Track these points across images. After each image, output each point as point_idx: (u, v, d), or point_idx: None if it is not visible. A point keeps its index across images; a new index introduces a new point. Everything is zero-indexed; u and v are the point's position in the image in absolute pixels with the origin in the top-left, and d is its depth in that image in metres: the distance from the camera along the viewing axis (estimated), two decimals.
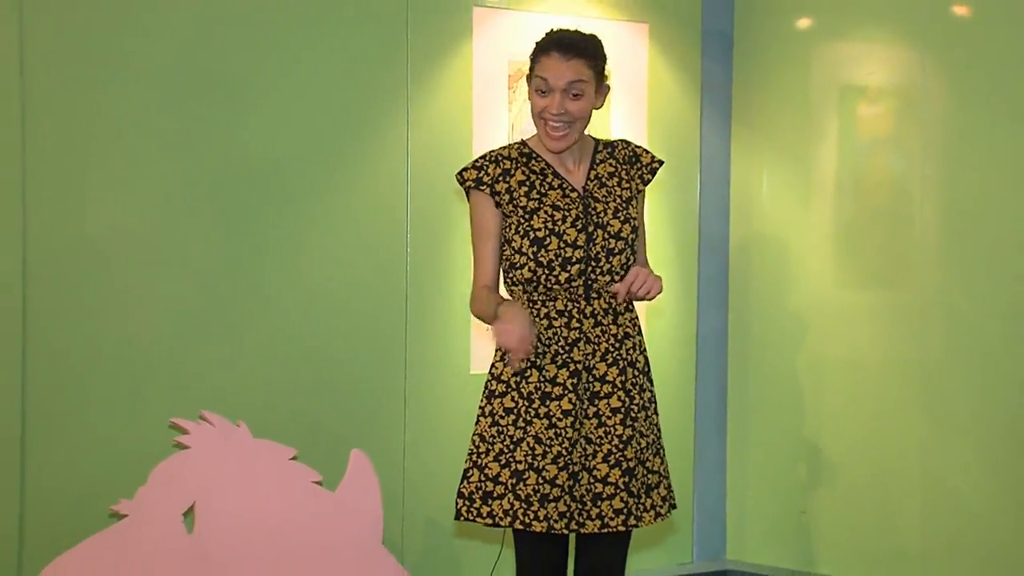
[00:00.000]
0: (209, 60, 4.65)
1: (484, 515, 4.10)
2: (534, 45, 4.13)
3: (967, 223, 5.21)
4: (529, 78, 4.15)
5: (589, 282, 4.07)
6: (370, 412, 4.97)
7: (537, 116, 4.08)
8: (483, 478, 4.13)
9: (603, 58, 4.14)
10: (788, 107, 5.75)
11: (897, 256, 5.44)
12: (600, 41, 4.16)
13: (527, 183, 4.10)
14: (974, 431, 5.19)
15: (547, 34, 4.13)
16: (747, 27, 5.85)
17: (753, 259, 5.85)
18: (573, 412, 4.03)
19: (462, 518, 4.13)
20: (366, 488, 4.58)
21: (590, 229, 4.03)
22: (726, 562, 5.84)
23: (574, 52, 4.04)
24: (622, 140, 4.31)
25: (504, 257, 4.12)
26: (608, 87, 4.17)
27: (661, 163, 4.29)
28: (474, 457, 4.14)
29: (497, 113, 5.27)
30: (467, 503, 4.11)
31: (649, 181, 4.23)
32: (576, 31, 4.15)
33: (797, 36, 5.72)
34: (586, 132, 4.25)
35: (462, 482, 4.15)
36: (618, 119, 5.55)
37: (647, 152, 4.27)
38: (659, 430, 4.22)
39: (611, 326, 4.10)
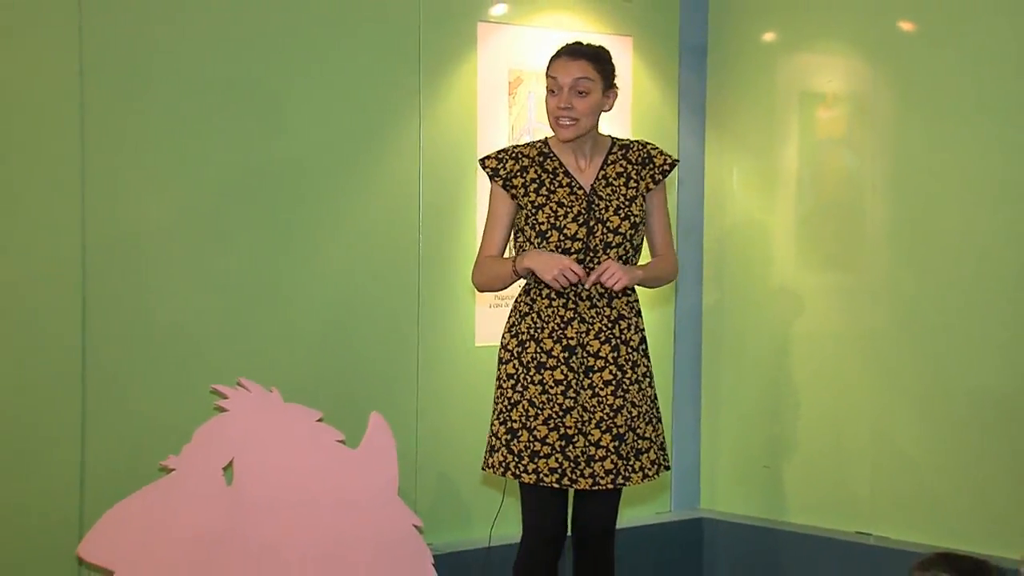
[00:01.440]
0: (249, 74, 4.64)
1: (493, 467, 4.20)
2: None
3: (911, 213, 5.23)
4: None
5: (588, 270, 4.09)
6: (387, 380, 4.98)
7: (550, 114, 4.14)
8: (491, 435, 4.23)
9: (609, 63, 4.19)
10: (755, 111, 5.75)
11: (850, 242, 5.45)
12: (608, 51, 4.22)
13: (538, 180, 4.16)
14: (917, 395, 5.21)
15: (563, 45, 4.22)
16: (719, 41, 5.84)
17: (725, 245, 5.85)
18: (564, 382, 4.09)
19: (484, 469, 4.24)
20: (383, 446, 4.57)
21: (591, 224, 4.09)
22: (700, 511, 5.83)
23: (580, 55, 4.13)
24: (639, 142, 4.35)
25: (518, 243, 4.20)
26: (616, 92, 4.21)
27: (676, 163, 4.34)
28: (492, 416, 4.24)
29: (499, 115, 5.27)
30: (487, 454, 4.22)
31: (660, 180, 4.27)
32: (581, 42, 4.22)
33: (763, 49, 5.72)
34: (605, 133, 4.31)
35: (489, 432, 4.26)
36: (604, 120, 5.44)
37: (661, 154, 4.30)
38: (653, 401, 4.27)
39: (605, 308, 4.14)
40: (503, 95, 5.28)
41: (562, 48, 4.19)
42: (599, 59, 4.17)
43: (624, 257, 4.17)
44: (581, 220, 4.11)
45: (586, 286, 4.07)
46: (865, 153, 5.40)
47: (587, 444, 4.10)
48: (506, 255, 4.26)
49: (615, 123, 5.52)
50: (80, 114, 4.30)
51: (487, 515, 4.98)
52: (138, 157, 4.45)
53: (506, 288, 4.24)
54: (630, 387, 4.16)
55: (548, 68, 4.18)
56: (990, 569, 3.34)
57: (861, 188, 5.42)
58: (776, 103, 5.69)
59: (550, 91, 4.16)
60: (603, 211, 4.14)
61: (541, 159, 4.21)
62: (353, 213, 4.91)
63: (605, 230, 4.13)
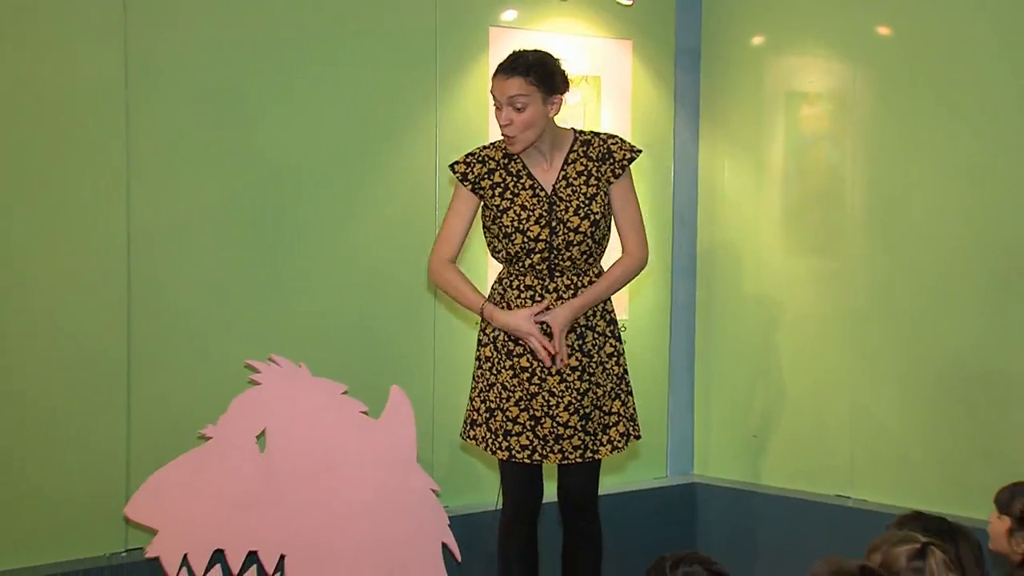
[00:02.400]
0: (282, 77, 4.66)
1: (476, 440, 4.26)
2: None
3: (887, 203, 5.25)
4: None
5: (552, 266, 4.11)
6: (406, 355, 5.00)
7: (499, 125, 4.09)
8: (471, 410, 4.27)
9: (549, 72, 4.05)
10: (745, 109, 5.74)
11: (832, 230, 5.45)
12: (547, 58, 4.08)
13: (503, 184, 4.12)
14: (892, 370, 5.22)
15: (506, 56, 4.11)
16: (712, 44, 5.83)
17: (717, 233, 5.85)
18: (530, 369, 4.11)
19: (463, 438, 4.31)
20: (403, 416, 4.58)
21: (553, 224, 4.07)
22: (693, 477, 5.84)
23: (514, 72, 4.01)
24: (600, 136, 4.24)
25: (488, 240, 4.19)
26: (560, 98, 4.09)
27: (637, 153, 4.21)
28: (471, 392, 4.28)
29: None
30: (467, 427, 4.28)
31: (620, 175, 4.17)
32: (526, 51, 4.09)
33: (752, 51, 5.72)
34: (569, 127, 4.23)
35: (466, 410, 4.32)
36: (607, 118, 5.54)
37: (621, 148, 4.19)
38: (621, 379, 4.26)
39: (572, 299, 4.13)
40: None
41: (500, 64, 4.09)
42: (534, 71, 4.03)
43: (587, 253, 4.14)
44: (543, 222, 4.08)
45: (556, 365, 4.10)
46: (845, 148, 5.40)
47: (555, 425, 4.12)
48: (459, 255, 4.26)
49: (617, 119, 5.59)
50: (125, 116, 4.32)
51: (494, 480, 5.05)
52: (178, 154, 4.46)
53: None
54: (595, 369, 4.17)
55: (491, 83, 4.12)
56: (957, 528, 3.38)
57: (842, 180, 5.41)
58: (764, 102, 5.68)
59: (495, 107, 4.10)
60: (564, 212, 4.10)
61: (506, 161, 4.15)
62: (376, 204, 4.92)
63: (567, 230, 4.09)
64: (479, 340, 4.28)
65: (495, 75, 4.09)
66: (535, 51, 4.12)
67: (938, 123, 5.08)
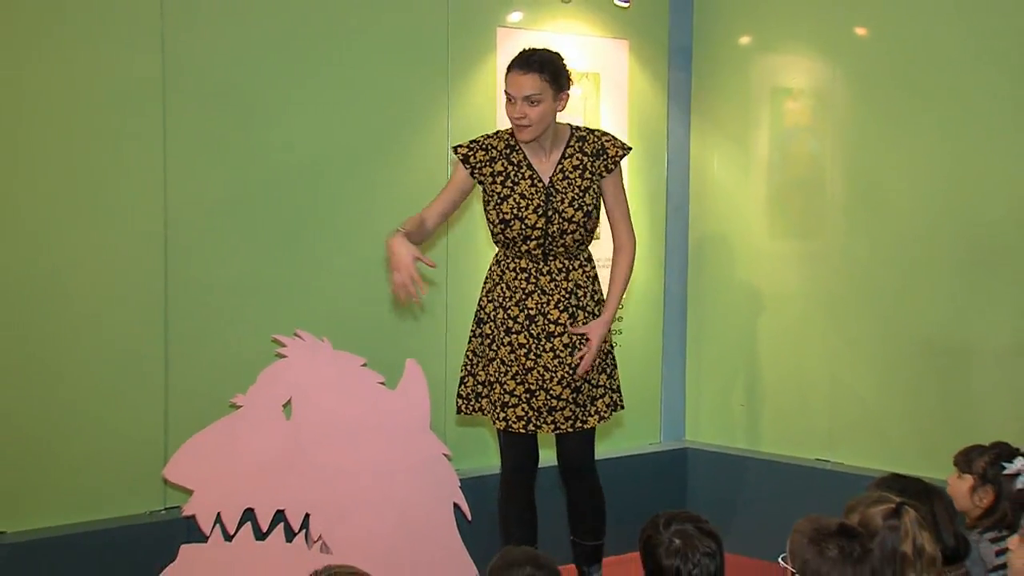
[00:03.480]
0: (306, 75, 4.65)
1: (475, 409, 4.29)
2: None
3: (865, 191, 5.25)
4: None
5: (546, 251, 4.13)
6: (420, 331, 5.00)
7: (510, 119, 4.09)
8: (475, 383, 4.29)
9: (559, 71, 4.08)
10: (733, 104, 5.74)
11: (813, 215, 5.46)
12: (557, 58, 4.11)
13: (504, 173, 4.14)
14: (868, 344, 5.24)
15: (518, 54, 4.11)
16: (703, 43, 5.82)
17: (707, 218, 5.85)
18: (527, 346, 4.14)
19: (461, 412, 4.34)
20: (417, 387, 4.59)
21: (549, 214, 4.09)
22: (685, 442, 5.85)
23: (529, 68, 4.03)
24: (595, 132, 4.26)
25: (488, 221, 4.20)
26: (567, 95, 4.12)
27: (628, 151, 4.24)
28: (468, 367, 4.31)
29: None
30: (464, 401, 4.32)
31: (612, 170, 4.20)
32: (537, 50, 4.11)
33: (740, 50, 5.71)
34: (566, 123, 4.23)
35: (459, 386, 4.34)
36: (606, 112, 5.53)
37: (614, 144, 4.21)
38: (608, 354, 4.31)
39: (564, 281, 4.16)
40: None
41: (514, 61, 4.10)
42: (547, 69, 4.06)
43: (579, 240, 4.18)
44: (540, 211, 4.10)
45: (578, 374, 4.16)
46: (825, 140, 5.39)
47: (548, 397, 4.16)
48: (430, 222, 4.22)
49: (615, 113, 5.58)
50: (163, 112, 4.32)
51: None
52: (211, 147, 4.46)
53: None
54: (583, 344, 4.20)
55: (505, 79, 4.12)
56: (931, 488, 3.40)
57: (822, 169, 5.41)
58: (751, 97, 5.68)
59: (507, 100, 4.10)
60: (559, 203, 4.12)
61: (508, 151, 4.17)
62: (392, 189, 4.90)
63: (561, 219, 4.12)
64: (479, 319, 4.31)
65: (510, 71, 4.10)
66: (545, 50, 4.14)
67: (911, 117, 5.09)
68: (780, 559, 3.04)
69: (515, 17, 5.27)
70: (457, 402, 4.37)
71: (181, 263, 4.39)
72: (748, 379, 5.73)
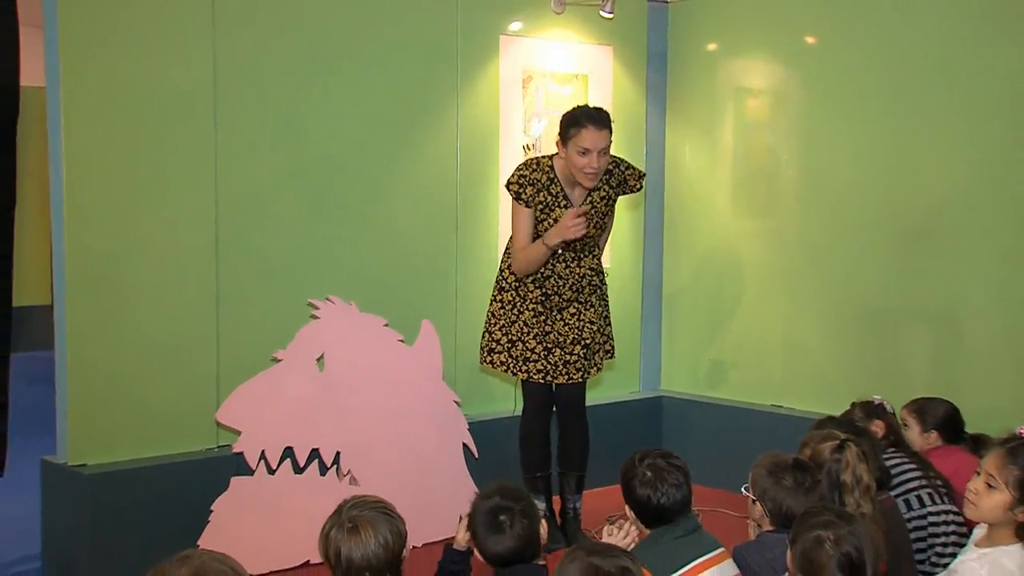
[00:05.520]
0: (335, 74, 4.63)
1: (494, 363, 4.36)
2: (570, 118, 4.08)
3: (815, 177, 5.25)
4: (564, 138, 4.08)
5: (563, 252, 4.25)
6: (434, 296, 4.99)
7: (578, 167, 4.08)
8: (491, 340, 4.35)
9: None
10: (702, 102, 5.72)
11: (771, 198, 5.46)
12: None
13: (544, 203, 4.20)
14: (816, 307, 5.26)
15: (580, 110, 4.10)
16: (677, 49, 5.80)
17: (681, 200, 5.84)
18: (544, 314, 4.26)
19: (482, 364, 4.43)
20: (432, 344, 4.61)
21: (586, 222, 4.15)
22: (661, 391, 5.86)
23: (604, 125, 4.07)
24: (620, 166, 4.33)
25: None
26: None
27: (643, 179, 4.38)
28: (488, 326, 4.38)
29: (515, 104, 5.24)
30: (485, 354, 4.39)
31: (625, 194, 4.37)
32: (600, 107, 4.15)
33: (708, 55, 5.69)
34: None
35: (482, 340, 4.41)
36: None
37: (635, 176, 4.31)
38: (605, 317, 4.45)
39: (577, 268, 4.28)
40: (518, 89, 5.26)
41: (587, 119, 4.07)
42: (611, 125, 4.13)
43: (590, 245, 4.34)
44: None
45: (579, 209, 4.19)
46: (781, 132, 5.39)
47: (563, 353, 4.30)
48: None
49: None
50: (214, 107, 4.32)
51: (503, 393, 5.15)
52: (255, 135, 4.45)
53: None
54: (587, 311, 4.33)
55: (576, 134, 4.06)
56: (861, 429, 3.44)
57: (778, 158, 5.41)
58: (717, 96, 5.66)
59: (579, 153, 4.07)
60: (586, 227, 4.19)
61: (548, 183, 4.20)
62: (410, 175, 4.90)
63: (584, 237, 4.22)
64: (501, 287, 4.37)
65: (584, 127, 4.07)
66: (601, 108, 4.17)
67: (855, 113, 5.09)
68: (743, 489, 3.08)
69: (515, 26, 5.25)
70: (480, 353, 4.47)
71: (231, 239, 4.39)
72: (715, 337, 5.73)
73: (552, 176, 4.21)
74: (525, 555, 2.79)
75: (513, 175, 4.27)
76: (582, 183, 4.17)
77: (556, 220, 4.17)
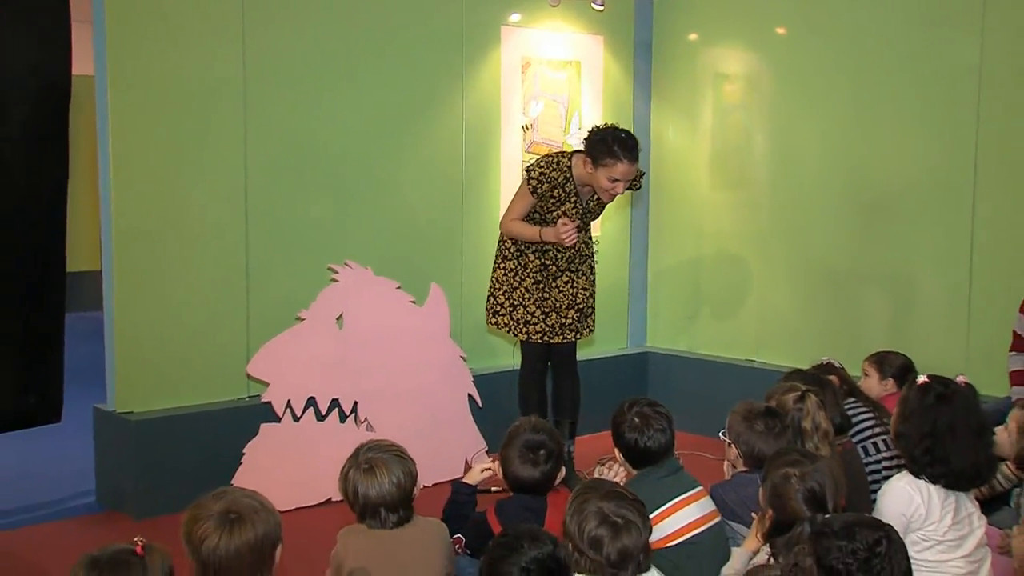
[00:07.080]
0: (355, 64, 4.60)
1: (499, 325, 4.35)
2: (606, 148, 3.98)
3: (784, 153, 5.24)
4: (595, 160, 4.00)
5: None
6: (442, 261, 4.98)
7: (604, 189, 4.05)
8: (496, 304, 4.34)
9: None
10: (684, 86, 5.69)
11: (745, 170, 5.44)
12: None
13: (556, 197, 4.18)
14: (785, 270, 5.26)
15: (614, 138, 3.99)
16: (661, 39, 5.76)
17: (665, 174, 5.79)
18: (544, 281, 4.26)
19: (488, 324, 4.41)
20: (440, 305, 4.61)
21: (579, 226, 4.16)
22: (646, 347, 5.86)
23: (636, 158, 4.02)
24: None
25: (534, 220, 4.25)
26: None
27: (642, 179, 4.31)
28: (492, 291, 4.38)
29: (515, 88, 5.21)
30: (490, 315, 4.38)
31: (627, 191, 4.26)
32: (629, 135, 4.05)
33: (689, 44, 5.66)
34: None
35: (487, 302, 4.40)
36: (585, 93, 5.48)
37: (636, 180, 4.24)
38: (594, 284, 4.44)
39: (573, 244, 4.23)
40: (518, 74, 5.24)
41: (624, 153, 3.98)
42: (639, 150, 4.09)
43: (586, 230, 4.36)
44: (576, 224, 4.15)
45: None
46: (754, 113, 5.37)
47: (559, 317, 4.31)
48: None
49: (592, 93, 5.52)
50: (244, 95, 4.31)
51: (504, 351, 5.15)
52: (282, 118, 4.44)
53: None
54: (579, 279, 4.34)
55: (612, 166, 3.99)
56: (823, 380, 3.44)
57: (751, 136, 5.39)
58: (698, 81, 5.63)
59: (609, 179, 4.01)
60: (588, 217, 4.29)
61: (563, 182, 4.16)
62: (419, 153, 4.88)
63: (586, 228, 4.31)
64: (504, 255, 4.35)
65: (622, 159, 3.99)
66: (631, 134, 4.09)
67: (821, 96, 5.07)
68: (720, 434, 3.10)
69: (515, 17, 5.22)
70: (486, 315, 4.46)
71: (259, 212, 4.39)
72: (695, 298, 5.72)
73: (568, 175, 4.19)
74: (541, 488, 2.86)
75: (535, 169, 4.20)
76: (602, 198, 4.21)
77: (564, 212, 4.19)
